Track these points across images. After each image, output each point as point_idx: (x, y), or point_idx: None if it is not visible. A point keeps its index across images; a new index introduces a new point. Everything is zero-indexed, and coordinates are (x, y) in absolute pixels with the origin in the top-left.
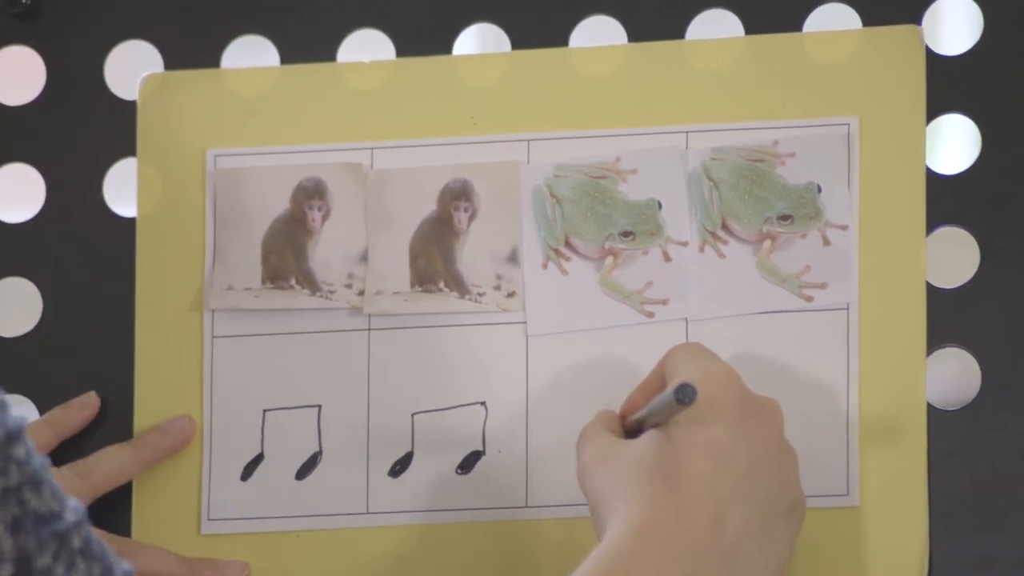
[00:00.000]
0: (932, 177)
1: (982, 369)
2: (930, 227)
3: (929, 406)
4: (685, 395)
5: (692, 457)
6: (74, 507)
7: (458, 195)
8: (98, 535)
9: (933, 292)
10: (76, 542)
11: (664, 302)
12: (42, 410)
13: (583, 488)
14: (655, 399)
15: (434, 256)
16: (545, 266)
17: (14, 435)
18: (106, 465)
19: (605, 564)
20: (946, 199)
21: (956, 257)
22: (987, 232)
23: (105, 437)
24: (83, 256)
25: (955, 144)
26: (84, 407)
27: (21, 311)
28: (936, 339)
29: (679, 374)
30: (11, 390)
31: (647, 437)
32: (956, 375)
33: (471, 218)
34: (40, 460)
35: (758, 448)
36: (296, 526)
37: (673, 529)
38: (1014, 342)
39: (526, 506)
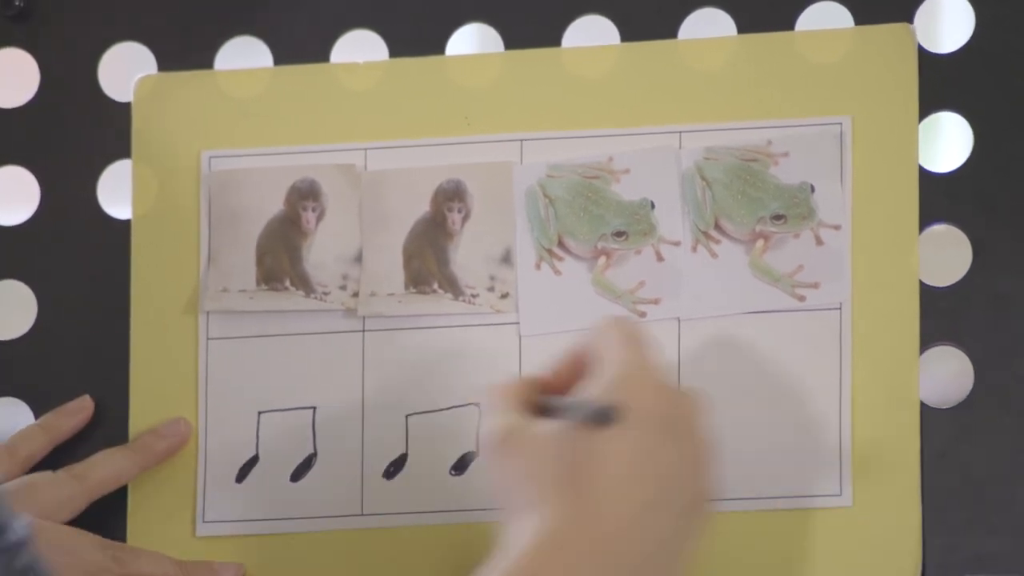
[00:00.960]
0: (924, 175)
1: (975, 367)
2: (923, 225)
3: (922, 405)
4: (605, 418)
5: (609, 461)
6: (22, 524)
7: (451, 196)
8: (93, 539)
9: (926, 290)
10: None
11: (656, 302)
12: (37, 413)
13: (488, 466)
14: (574, 400)
15: (428, 257)
16: (538, 266)
17: None
18: (102, 469)
19: (506, 573)
20: (938, 197)
21: (949, 255)
22: (980, 230)
23: (100, 439)
24: (78, 258)
25: (948, 142)
26: (78, 412)
27: (16, 314)
28: (929, 337)
29: (604, 362)
30: (6, 393)
31: (563, 431)
32: (949, 373)
33: (464, 219)
34: None
35: (678, 450)
36: (291, 528)
37: (581, 545)
38: (1007, 340)
39: None
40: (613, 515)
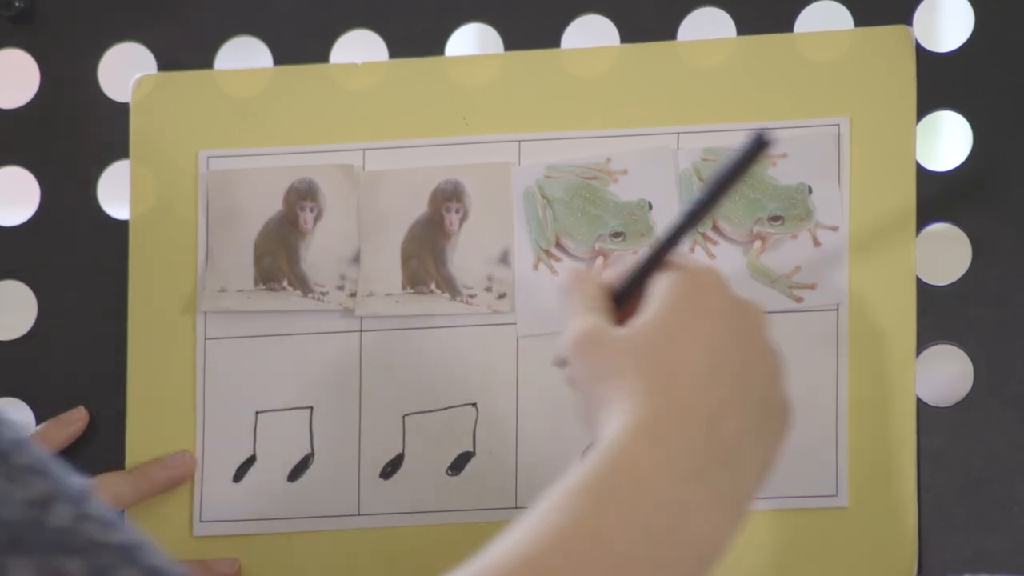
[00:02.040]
0: (924, 174)
1: (974, 366)
2: (922, 224)
3: (921, 403)
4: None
5: (689, 352)
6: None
7: (449, 196)
8: None
9: (925, 289)
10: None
11: None
12: (37, 412)
13: (572, 364)
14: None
15: (426, 257)
16: (536, 267)
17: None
18: (102, 492)
19: (604, 466)
20: (938, 196)
21: (948, 254)
22: (979, 229)
23: (98, 440)
24: (78, 259)
25: (947, 141)
26: (72, 422)
27: (16, 314)
28: (928, 336)
29: (662, 278)
30: (6, 393)
31: (643, 324)
32: (948, 372)
33: (462, 219)
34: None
35: (749, 348)
36: (288, 528)
37: (672, 429)
38: (1006, 339)
39: (516, 507)
40: (695, 409)
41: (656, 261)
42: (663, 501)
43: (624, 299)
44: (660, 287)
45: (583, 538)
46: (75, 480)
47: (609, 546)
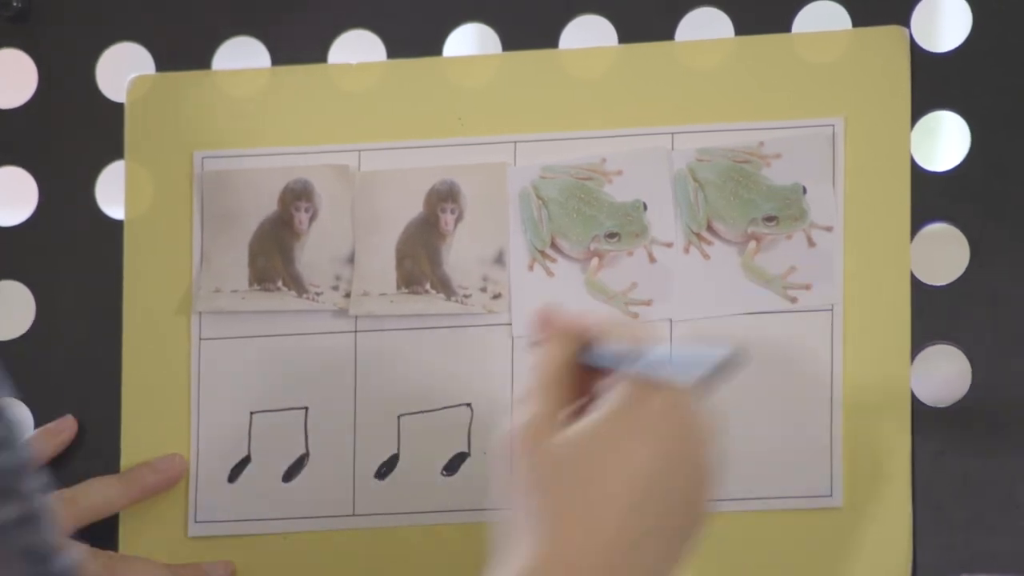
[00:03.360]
0: (922, 174)
1: (972, 366)
2: (920, 224)
3: (919, 404)
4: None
5: (617, 476)
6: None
7: (445, 197)
8: (82, 548)
9: (923, 289)
10: None
11: (649, 303)
12: (35, 413)
13: (511, 462)
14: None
15: (421, 258)
16: (531, 267)
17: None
18: (92, 496)
19: None
20: (935, 196)
21: (946, 254)
22: (977, 229)
23: (93, 441)
24: (76, 259)
25: (945, 141)
26: (60, 432)
27: (15, 314)
28: (926, 336)
29: (622, 384)
30: (5, 393)
31: (579, 434)
32: (946, 372)
33: (457, 220)
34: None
35: (686, 473)
36: (283, 528)
37: (579, 566)
38: (1004, 339)
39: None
40: (614, 540)
41: (628, 362)
42: None
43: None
44: (616, 394)
45: None
46: None
47: None
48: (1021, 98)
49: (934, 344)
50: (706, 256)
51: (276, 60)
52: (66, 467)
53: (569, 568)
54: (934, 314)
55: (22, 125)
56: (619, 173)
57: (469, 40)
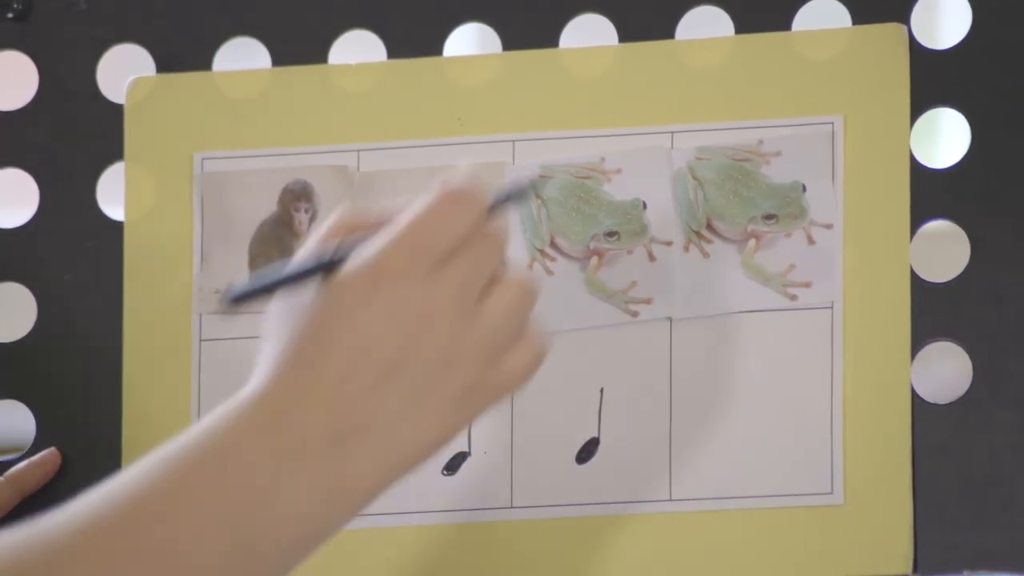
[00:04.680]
0: (922, 171)
1: (973, 363)
2: (920, 221)
3: (920, 401)
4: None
5: (358, 321)
6: None
7: None
8: None
9: (923, 287)
10: None
11: (649, 301)
12: (37, 415)
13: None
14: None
15: None
16: (530, 266)
17: None
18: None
19: (199, 436)
20: (936, 193)
21: (946, 251)
22: (977, 226)
23: (92, 442)
24: (77, 261)
25: (945, 138)
26: (44, 464)
27: (16, 316)
28: (927, 333)
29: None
30: (7, 395)
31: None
32: (947, 369)
33: None
34: None
35: (442, 334)
36: None
37: (289, 402)
38: (1005, 336)
39: (511, 507)
40: (344, 379)
41: None
42: (250, 482)
43: None
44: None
45: (150, 513)
46: None
47: (176, 522)
48: (1021, 95)
49: (934, 341)
50: (706, 254)
51: (276, 61)
52: (67, 469)
53: (295, 396)
54: (934, 311)
55: (22, 127)
56: (618, 172)
57: (469, 40)
